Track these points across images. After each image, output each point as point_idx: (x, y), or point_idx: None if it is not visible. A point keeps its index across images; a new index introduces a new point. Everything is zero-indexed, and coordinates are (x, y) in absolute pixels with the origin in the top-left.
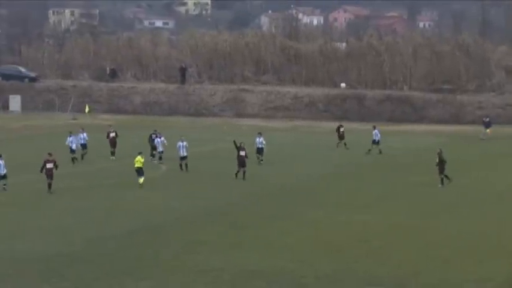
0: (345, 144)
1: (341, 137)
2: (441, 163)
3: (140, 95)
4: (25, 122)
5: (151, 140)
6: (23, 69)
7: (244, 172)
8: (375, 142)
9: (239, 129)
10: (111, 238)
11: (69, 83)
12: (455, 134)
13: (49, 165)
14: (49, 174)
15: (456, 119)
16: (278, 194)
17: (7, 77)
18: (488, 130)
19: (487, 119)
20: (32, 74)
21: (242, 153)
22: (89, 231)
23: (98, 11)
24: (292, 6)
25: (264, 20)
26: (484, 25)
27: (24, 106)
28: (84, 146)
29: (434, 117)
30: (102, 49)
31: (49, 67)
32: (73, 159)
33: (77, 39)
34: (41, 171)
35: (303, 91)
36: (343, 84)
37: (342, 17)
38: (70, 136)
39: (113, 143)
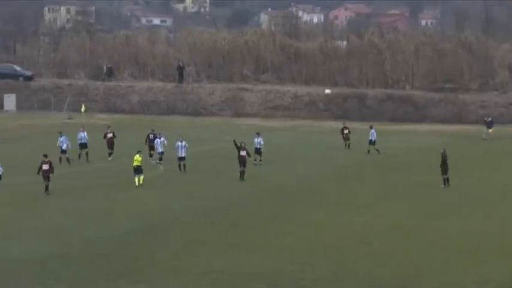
0: (349, 146)
1: (346, 138)
2: (444, 163)
3: (137, 94)
4: (20, 121)
5: (148, 140)
6: (17, 68)
7: (243, 172)
8: (371, 142)
9: (238, 129)
10: (109, 239)
11: (65, 81)
12: (458, 134)
13: (45, 167)
14: (45, 176)
15: (459, 119)
16: (277, 195)
17: (2, 75)
18: (490, 130)
19: (489, 119)
20: (27, 73)
21: (243, 153)
22: (86, 232)
23: (94, 8)
24: (292, 3)
25: (264, 17)
26: (487, 23)
27: (19, 105)
28: (84, 145)
29: (436, 117)
30: (98, 47)
31: (44, 65)
32: (68, 159)
33: (73, 37)
34: (38, 172)
35: (303, 90)
36: (327, 91)
37: (342, 14)
38: (61, 136)
39: (110, 144)
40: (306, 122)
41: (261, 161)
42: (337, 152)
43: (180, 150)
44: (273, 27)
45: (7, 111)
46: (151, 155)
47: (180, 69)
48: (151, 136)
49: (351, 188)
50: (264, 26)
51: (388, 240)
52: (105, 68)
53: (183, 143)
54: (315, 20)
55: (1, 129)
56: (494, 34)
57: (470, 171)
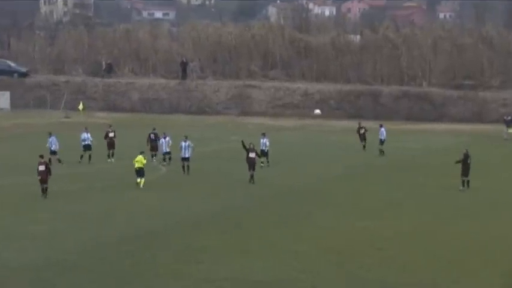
0: (364, 146)
1: (363, 138)
2: (466, 164)
3: (138, 92)
4: (15, 120)
5: (150, 140)
6: (12, 64)
7: (252, 175)
8: (381, 142)
9: (245, 128)
10: (107, 244)
11: (62, 78)
12: (478, 134)
13: (41, 168)
14: (41, 178)
15: (478, 117)
16: (285, 197)
17: None
18: (511, 130)
19: (509, 117)
20: (22, 69)
21: (252, 154)
22: (84, 237)
23: (92, 0)
24: None
25: (272, 10)
26: (509, 15)
27: (13, 103)
28: (88, 146)
29: (455, 116)
30: (97, 42)
31: (40, 61)
32: (59, 160)
33: (70, 31)
34: (38, 175)
35: (314, 87)
36: (317, 111)
37: (355, 7)
38: (50, 136)
39: (111, 144)
40: (317, 121)
41: (268, 162)
42: (348, 152)
43: (184, 151)
44: (282, 21)
45: (1, 109)
46: (153, 156)
47: (184, 65)
48: (152, 136)
49: (363, 191)
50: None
51: (403, 246)
52: (104, 63)
53: (187, 142)
54: (327, 12)
55: None
56: None
57: (490, 172)
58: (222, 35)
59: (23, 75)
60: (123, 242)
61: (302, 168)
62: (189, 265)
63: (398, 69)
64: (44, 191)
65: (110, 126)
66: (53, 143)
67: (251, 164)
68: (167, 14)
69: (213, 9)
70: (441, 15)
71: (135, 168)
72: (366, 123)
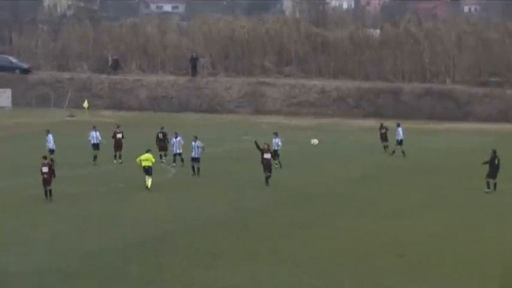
0: (386, 147)
1: (384, 138)
2: (492, 165)
3: (146, 89)
4: (16, 119)
5: (158, 140)
6: (13, 60)
7: (268, 177)
8: (398, 142)
9: (258, 128)
10: (112, 250)
11: (66, 75)
12: (505, 133)
13: (44, 169)
14: (44, 180)
15: (505, 116)
16: (300, 200)
17: None
18: None
19: None
20: (24, 65)
21: (267, 155)
22: (88, 242)
23: None
24: None
25: (287, 3)
26: None
27: (15, 101)
28: (96, 146)
29: (480, 114)
30: (103, 37)
31: (43, 57)
32: (52, 160)
33: (75, 26)
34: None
35: (331, 84)
36: (315, 140)
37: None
38: (48, 134)
39: (118, 145)
40: (334, 120)
41: (279, 163)
42: (367, 153)
43: (193, 151)
44: (297, 14)
45: (2, 107)
46: (161, 156)
47: (194, 61)
48: (160, 135)
49: (382, 194)
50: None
51: (425, 253)
52: (110, 59)
53: (197, 143)
54: (345, 5)
55: None
56: None
57: None
58: (234, 29)
59: (25, 71)
60: (129, 247)
61: (317, 170)
62: (198, 271)
63: (420, 65)
64: (48, 193)
65: (118, 126)
66: (50, 141)
67: (266, 165)
68: (176, 7)
69: (224, 2)
70: (466, 9)
71: (144, 167)
72: (386, 123)
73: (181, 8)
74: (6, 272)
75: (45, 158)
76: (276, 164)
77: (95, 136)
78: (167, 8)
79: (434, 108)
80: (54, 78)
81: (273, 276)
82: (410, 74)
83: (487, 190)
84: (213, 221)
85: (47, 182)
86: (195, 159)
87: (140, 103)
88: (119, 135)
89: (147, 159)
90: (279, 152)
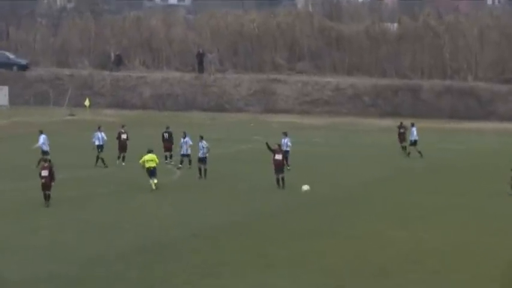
0: (404, 148)
1: (402, 138)
2: None
3: (150, 87)
4: (13, 118)
5: (163, 140)
6: (11, 55)
7: (282, 179)
8: (412, 143)
9: (269, 127)
10: (115, 257)
11: (66, 71)
12: None
13: (44, 173)
14: (44, 184)
15: None
16: (315, 205)
17: None
18: None
19: None
20: (22, 61)
21: (278, 156)
22: (88, 248)
23: None
24: None
25: None
26: None
27: (12, 99)
28: (101, 147)
29: (504, 113)
30: (105, 31)
31: (42, 53)
32: (39, 162)
33: (75, 20)
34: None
35: (346, 81)
36: (305, 187)
37: None
38: (41, 135)
39: (123, 146)
40: (349, 119)
41: (288, 166)
42: (384, 154)
43: (199, 151)
44: (310, 7)
45: None
46: (166, 157)
47: (200, 57)
48: (166, 135)
49: (401, 198)
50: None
51: (447, 261)
52: (112, 55)
53: (203, 142)
54: None
55: None
56: None
57: None
58: (243, 23)
59: (23, 68)
60: (131, 253)
61: (332, 172)
62: (205, 279)
63: (440, 61)
64: (47, 198)
65: (123, 126)
66: (45, 143)
67: (278, 166)
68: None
69: None
70: (489, 1)
71: (148, 168)
72: (404, 122)
73: (188, 1)
74: (4, 280)
75: (45, 160)
76: (288, 165)
77: (100, 137)
78: (173, 0)
79: (455, 107)
80: (54, 75)
81: (285, 286)
82: (430, 71)
83: (511, 192)
84: (221, 226)
85: (46, 186)
86: (202, 160)
87: (144, 101)
88: (124, 136)
89: (151, 159)
90: (289, 153)
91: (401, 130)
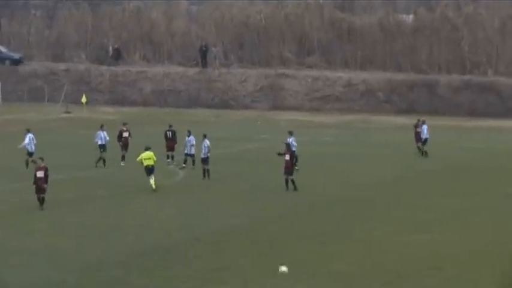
0: (419, 148)
1: (418, 137)
2: None
3: (151, 82)
4: (6, 115)
5: (166, 139)
6: (3, 49)
7: (292, 181)
8: (422, 141)
9: (277, 125)
10: (114, 263)
11: (62, 66)
12: None
13: (39, 174)
14: (38, 186)
15: None
16: (324, 208)
17: None
18: None
19: None
20: (15, 55)
21: (286, 157)
22: (87, 253)
23: None
24: None
25: None
26: None
27: (4, 96)
28: (103, 147)
29: None
30: (103, 23)
31: (36, 46)
32: (27, 162)
33: (72, 11)
34: (34, 182)
35: (358, 76)
36: (283, 268)
37: None
38: (27, 134)
39: (125, 145)
40: (362, 117)
41: (296, 166)
42: (399, 154)
43: (202, 151)
44: None
45: None
46: (168, 157)
47: (204, 51)
48: (169, 134)
49: (417, 200)
50: None
51: (466, 266)
52: (111, 49)
53: (206, 141)
54: None
55: None
56: None
57: None
58: (249, 14)
59: (16, 62)
60: (132, 258)
61: (343, 172)
62: (209, 286)
63: (459, 55)
64: (41, 202)
65: (125, 124)
66: (30, 143)
67: (285, 167)
68: None
69: None
70: None
71: (146, 167)
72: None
73: None
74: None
75: (42, 159)
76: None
77: (102, 136)
78: None
79: (475, 103)
80: (49, 69)
81: None
82: (448, 65)
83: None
84: (224, 229)
85: (40, 190)
86: (204, 160)
87: (144, 98)
88: (126, 134)
89: (148, 157)
90: (296, 152)
91: (418, 129)
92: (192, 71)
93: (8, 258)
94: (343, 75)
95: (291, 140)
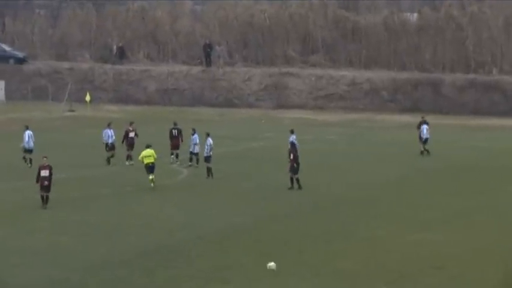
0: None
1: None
2: None
3: (155, 81)
4: (10, 114)
5: (171, 137)
6: (7, 48)
7: (297, 180)
8: (424, 140)
9: (281, 124)
10: (118, 262)
11: (66, 65)
12: None
13: (43, 173)
14: (43, 184)
15: None
16: (328, 206)
17: None
18: None
19: None
20: (19, 54)
21: (291, 156)
22: (91, 252)
23: None
24: None
25: None
26: None
27: (8, 94)
28: (111, 146)
29: None
30: (107, 22)
31: (40, 45)
32: (24, 159)
33: (76, 10)
34: (37, 181)
35: (363, 75)
36: (271, 264)
37: None
38: (26, 131)
39: (131, 144)
40: (366, 115)
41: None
42: (403, 153)
43: (205, 149)
44: None
45: None
46: (172, 154)
47: (208, 49)
48: (174, 132)
49: (420, 199)
50: None
51: (468, 266)
52: (115, 48)
53: (209, 140)
54: None
55: None
56: None
57: None
58: (254, 14)
59: (20, 61)
60: (135, 258)
61: (347, 171)
62: (213, 285)
63: (463, 54)
64: (45, 201)
65: (131, 123)
66: (30, 140)
67: (291, 165)
68: None
69: None
70: None
71: (146, 164)
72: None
73: None
74: (2, 283)
75: (46, 158)
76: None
77: (110, 134)
78: None
79: (479, 102)
80: (53, 68)
81: None
82: (452, 64)
83: None
84: (227, 228)
85: (46, 188)
86: (206, 159)
87: (149, 96)
88: (132, 134)
89: (149, 155)
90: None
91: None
92: (196, 70)
93: (10, 258)
94: (347, 74)
95: (292, 138)
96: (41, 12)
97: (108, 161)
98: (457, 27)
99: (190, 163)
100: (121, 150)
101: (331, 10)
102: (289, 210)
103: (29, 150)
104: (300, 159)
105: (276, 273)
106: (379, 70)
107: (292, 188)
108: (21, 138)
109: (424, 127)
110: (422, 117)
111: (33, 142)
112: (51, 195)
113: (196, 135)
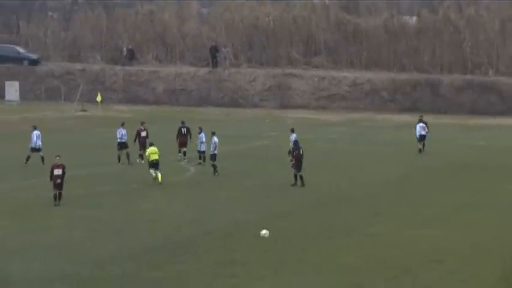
0: (423, 146)
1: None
2: None
3: (163, 82)
4: (24, 114)
5: (180, 135)
6: (21, 50)
7: (300, 177)
8: (419, 138)
9: (284, 123)
10: (126, 257)
11: (78, 66)
12: None
13: (57, 171)
14: (56, 183)
15: None
16: (330, 204)
17: (3, 59)
18: None
19: None
20: (33, 56)
21: (296, 154)
22: (100, 248)
23: None
24: None
25: None
26: None
27: (23, 95)
28: (123, 144)
29: None
30: (117, 25)
31: (53, 47)
32: (27, 158)
33: (87, 13)
34: (50, 179)
35: (363, 76)
36: (264, 231)
37: None
38: (33, 131)
39: (143, 144)
40: (367, 115)
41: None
42: (403, 152)
43: (211, 147)
44: (326, 0)
45: (9, 101)
46: (180, 151)
47: (214, 51)
48: (184, 130)
49: (420, 197)
50: None
51: (467, 260)
52: (125, 50)
53: (214, 138)
54: None
55: (1, 123)
56: None
57: None
58: (258, 16)
59: (34, 62)
60: (143, 253)
61: (349, 170)
62: (220, 280)
63: (460, 55)
64: (58, 198)
65: (143, 123)
66: (37, 139)
67: (295, 164)
68: None
69: None
70: None
71: (151, 161)
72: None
73: None
74: (14, 280)
75: (58, 157)
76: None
77: (123, 133)
78: None
79: (476, 102)
80: (65, 70)
81: (303, 285)
82: (450, 65)
83: None
84: (236, 225)
85: (58, 186)
86: (211, 157)
87: (157, 97)
88: (143, 134)
89: (154, 152)
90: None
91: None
92: (202, 71)
93: (21, 253)
94: (349, 75)
95: (292, 137)
96: (53, 16)
97: (127, 157)
98: (454, 29)
99: (199, 161)
100: (133, 148)
101: (333, 13)
102: (292, 208)
103: (37, 149)
104: (303, 157)
105: (281, 267)
106: (379, 71)
107: (295, 184)
108: (30, 138)
109: (418, 125)
110: (420, 117)
111: (41, 142)
112: (63, 192)
113: (203, 134)
